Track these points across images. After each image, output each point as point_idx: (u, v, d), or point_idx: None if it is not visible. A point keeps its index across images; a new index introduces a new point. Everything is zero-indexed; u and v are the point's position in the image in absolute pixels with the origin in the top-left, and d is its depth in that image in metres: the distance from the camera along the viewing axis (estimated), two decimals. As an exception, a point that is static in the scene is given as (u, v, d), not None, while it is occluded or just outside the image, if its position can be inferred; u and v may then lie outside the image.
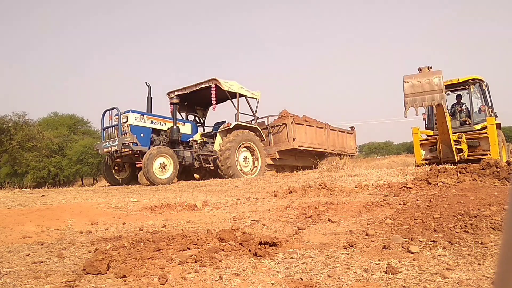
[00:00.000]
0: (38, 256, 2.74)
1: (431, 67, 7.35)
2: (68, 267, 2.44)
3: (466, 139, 8.73)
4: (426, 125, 10.00)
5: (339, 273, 2.15)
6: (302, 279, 2.08)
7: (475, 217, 2.92)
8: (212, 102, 9.92)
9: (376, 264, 2.30)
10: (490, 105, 9.59)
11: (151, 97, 9.97)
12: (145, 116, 9.31)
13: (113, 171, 9.70)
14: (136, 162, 9.05)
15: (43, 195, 6.34)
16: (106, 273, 2.23)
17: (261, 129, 10.95)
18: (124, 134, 8.75)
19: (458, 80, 9.49)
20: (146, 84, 9.93)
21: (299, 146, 11.62)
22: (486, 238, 2.59)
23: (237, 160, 9.75)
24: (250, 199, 5.35)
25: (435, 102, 7.17)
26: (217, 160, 9.57)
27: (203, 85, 10.20)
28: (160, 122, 9.64)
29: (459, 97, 9.88)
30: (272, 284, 2.04)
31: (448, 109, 8.75)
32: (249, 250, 2.65)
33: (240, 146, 9.88)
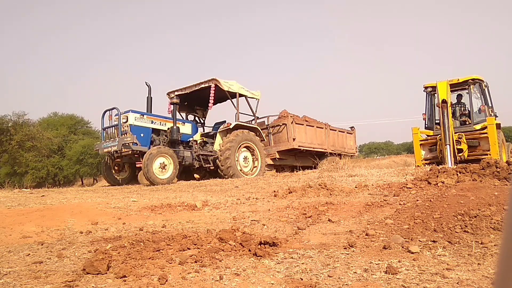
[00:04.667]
0: (38, 256, 2.74)
1: None
2: (68, 267, 2.44)
3: (466, 139, 8.72)
4: (426, 125, 9.99)
5: (339, 273, 2.15)
6: (302, 279, 2.08)
7: (475, 217, 2.92)
8: (210, 102, 9.92)
9: (376, 264, 2.30)
10: (490, 105, 9.59)
11: (151, 97, 9.97)
12: (145, 116, 9.31)
13: (113, 171, 9.70)
14: (136, 162, 9.05)
15: (43, 195, 6.34)
16: (106, 273, 2.23)
17: (261, 129, 10.95)
18: (124, 134, 8.74)
19: (458, 80, 9.48)
20: (146, 84, 9.93)
21: (299, 146, 11.62)
22: (486, 238, 2.59)
23: (237, 160, 9.74)
24: (250, 199, 5.35)
25: None
26: (217, 160, 9.57)
27: (203, 85, 10.20)
28: (160, 122, 9.63)
29: (459, 97, 9.88)
30: (272, 284, 2.04)
31: None
32: (249, 250, 2.65)
33: (240, 146, 9.87)
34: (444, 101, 8.32)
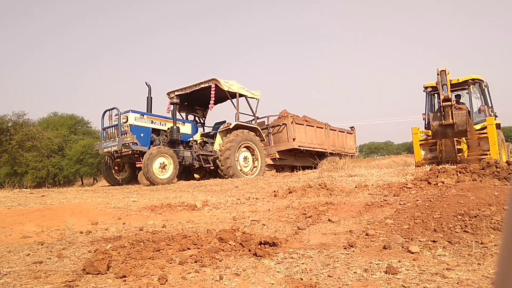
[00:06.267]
0: (38, 256, 2.74)
1: None
2: (68, 267, 2.44)
3: (465, 139, 8.72)
4: (426, 125, 9.99)
5: (339, 273, 2.15)
6: (302, 279, 2.08)
7: (475, 217, 2.92)
8: (210, 102, 9.93)
9: (376, 264, 2.30)
10: (490, 105, 9.60)
11: (151, 97, 9.97)
12: (145, 116, 9.31)
13: (113, 171, 9.70)
14: (136, 162, 9.05)
15: (43, 195, 6.34)
16: (106, 273, 2.23)
17: (261, 129, 10.95)
18: (124, 134, 8.74)
19: (458, 80, 9.48)
20: (146, 84, 9.93)
21: (299, 146, 11.62)
22: (486, 238, 2.59)
23: (237, 160, 9.74)
24: (250, 199, 5.35)
25: None
26: (217, 160, 9.57)
27: (203, 85, 10.20)
28: (160, 122, 9.63)
29: (458, 97, 9.88)
30: (272, 284, 2.04)
31: None
32: (249, 250, 2.65)
33: (240, 146, 9.88)
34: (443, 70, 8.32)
